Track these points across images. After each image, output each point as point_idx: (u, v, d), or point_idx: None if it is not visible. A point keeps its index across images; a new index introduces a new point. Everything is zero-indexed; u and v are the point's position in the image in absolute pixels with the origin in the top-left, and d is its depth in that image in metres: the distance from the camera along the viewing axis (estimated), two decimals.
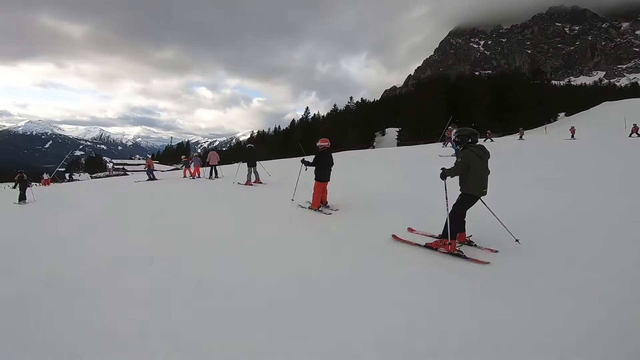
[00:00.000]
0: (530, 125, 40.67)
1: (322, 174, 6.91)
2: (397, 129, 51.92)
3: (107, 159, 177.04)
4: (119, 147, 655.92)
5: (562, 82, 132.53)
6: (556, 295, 3.16)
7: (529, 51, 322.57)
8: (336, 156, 8.12)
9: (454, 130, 4.94)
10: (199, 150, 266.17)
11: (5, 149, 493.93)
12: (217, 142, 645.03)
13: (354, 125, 49.60)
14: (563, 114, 53.94)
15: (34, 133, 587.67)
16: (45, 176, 27.98)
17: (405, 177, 11.53)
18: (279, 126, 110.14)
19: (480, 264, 3.89)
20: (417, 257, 4.30)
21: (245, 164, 12.14)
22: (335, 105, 62.31)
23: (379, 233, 5.21)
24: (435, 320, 2.87)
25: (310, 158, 7.25)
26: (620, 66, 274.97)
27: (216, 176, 15.52)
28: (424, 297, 3.29)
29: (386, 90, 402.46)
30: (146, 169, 18.67)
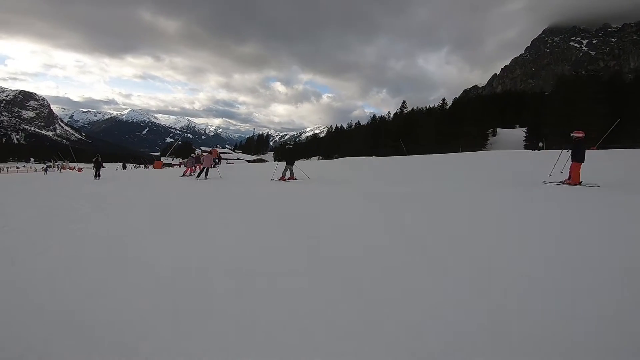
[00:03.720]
0: None
1: (580, 156, 8.78)
2: (524, 129, 44.03)
3: (194, 147, 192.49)
4: (203, 137, 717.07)
5: None
6: None
7: None
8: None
9: None
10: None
11: (112, 134, 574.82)
12: (287, 136, 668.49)
13: (471, 124, 43.15)
14: None
15: (135, 120, 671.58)
16: (164, 159, 28.76)
17: None
18: (359, 121, 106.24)
19: None
20: None
21: (284, 162, 13.00)
22: (444, 100, 54.94)
23: None
24: None
25: None
26: None
27: (206, 177, 14.63)
28: None
29: (466, 90, 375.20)
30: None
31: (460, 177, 11.91)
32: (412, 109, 64.02)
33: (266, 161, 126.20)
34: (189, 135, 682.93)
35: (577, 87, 36.90)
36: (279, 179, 12.51)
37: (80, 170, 46.94)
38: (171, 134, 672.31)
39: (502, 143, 48.04)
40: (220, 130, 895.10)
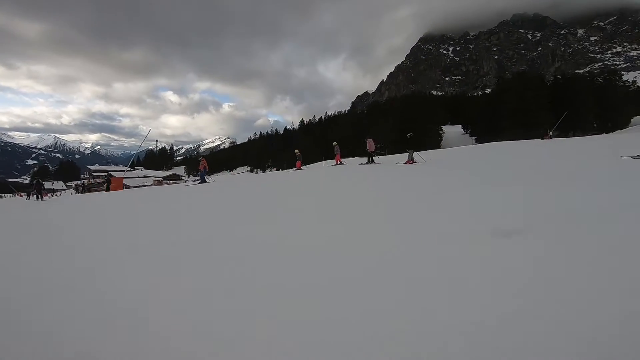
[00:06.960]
0: None
1: None
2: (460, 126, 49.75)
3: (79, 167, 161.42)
4: (77, 156, 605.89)
5: None
6: None
7: (496, 57, 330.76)
8: None
9: None
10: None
11: None
12: (183, 150, 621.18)
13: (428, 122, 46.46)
14: None
15: None
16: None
17: None
18: (322, 116, 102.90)
19: None
20: None
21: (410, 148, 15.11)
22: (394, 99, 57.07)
23: None
24: None
25: None
26: (577, 71, 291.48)
27: (373, 162, 16.35)
28: None
29: (359, 96, 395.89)
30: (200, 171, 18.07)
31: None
32: (363, 110, 65.56)
33: (182, 177, 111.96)
34: (57, 155, 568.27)
35: (525, 85, 43.64)
36: (405, 163, 14.11)
37: None
38: (34, 155, 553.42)
39: (444, 140, 52.93)
40: (99, 147, 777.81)
